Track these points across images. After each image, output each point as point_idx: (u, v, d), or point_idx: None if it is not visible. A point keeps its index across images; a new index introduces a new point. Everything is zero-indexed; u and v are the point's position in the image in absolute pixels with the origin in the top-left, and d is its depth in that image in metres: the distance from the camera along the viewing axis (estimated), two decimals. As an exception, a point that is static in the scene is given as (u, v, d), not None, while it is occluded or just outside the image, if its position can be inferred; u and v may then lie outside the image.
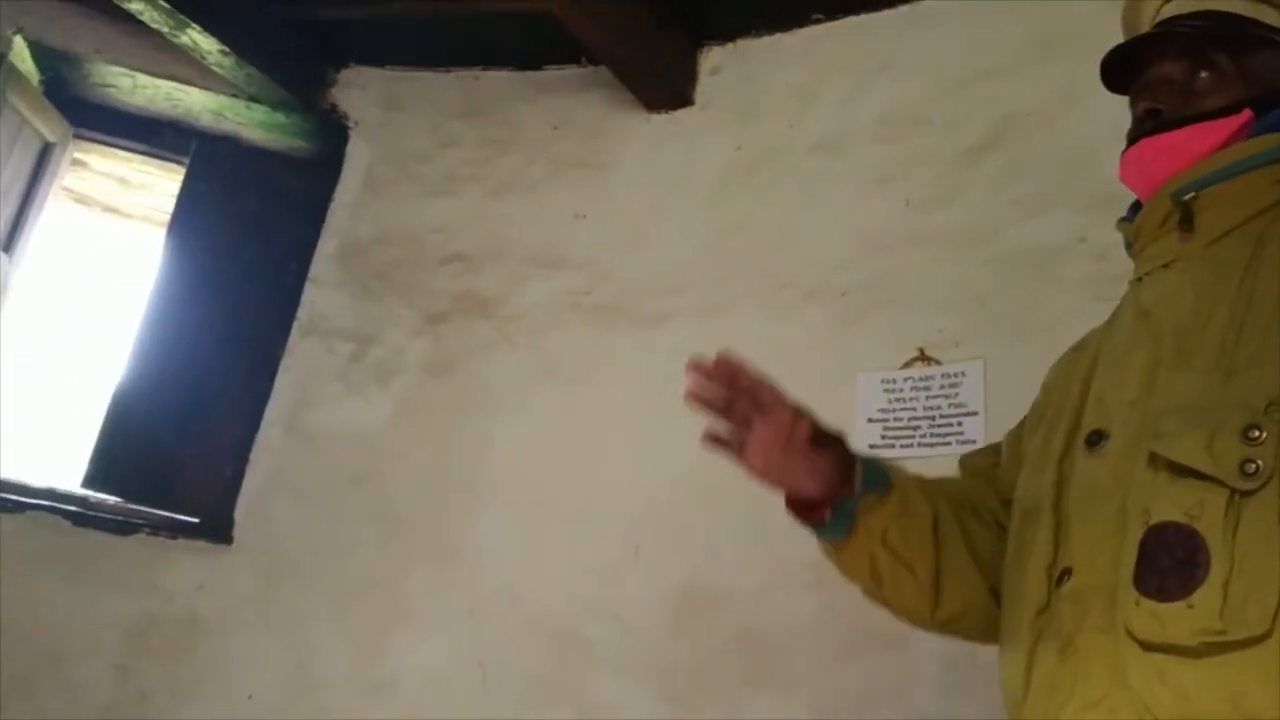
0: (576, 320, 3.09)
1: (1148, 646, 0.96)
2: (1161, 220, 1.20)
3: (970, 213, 2.58)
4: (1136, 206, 1.28)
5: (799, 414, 1.23)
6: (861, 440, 2.54)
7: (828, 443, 1.26)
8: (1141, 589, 0.97)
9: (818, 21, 3.00)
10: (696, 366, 1.25)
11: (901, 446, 2.49)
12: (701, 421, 2.80)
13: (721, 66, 3.15)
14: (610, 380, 2.98)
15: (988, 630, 1.31)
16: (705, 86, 3.15)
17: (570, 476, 2.92)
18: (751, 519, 2.63)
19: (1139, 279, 1.23)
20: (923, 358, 2.53)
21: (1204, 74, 1.23)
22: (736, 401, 1.25)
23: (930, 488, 1.34)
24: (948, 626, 1.35)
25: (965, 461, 1.45)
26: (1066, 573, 1.07)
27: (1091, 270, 2.34)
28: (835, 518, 1.29)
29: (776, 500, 2.57)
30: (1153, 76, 1.26)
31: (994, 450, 1.43)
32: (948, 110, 2.71)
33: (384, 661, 2.95)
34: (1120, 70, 1.32)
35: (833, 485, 1.27)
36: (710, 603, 2.63)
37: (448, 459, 3.09)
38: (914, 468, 2.44)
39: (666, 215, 3.08)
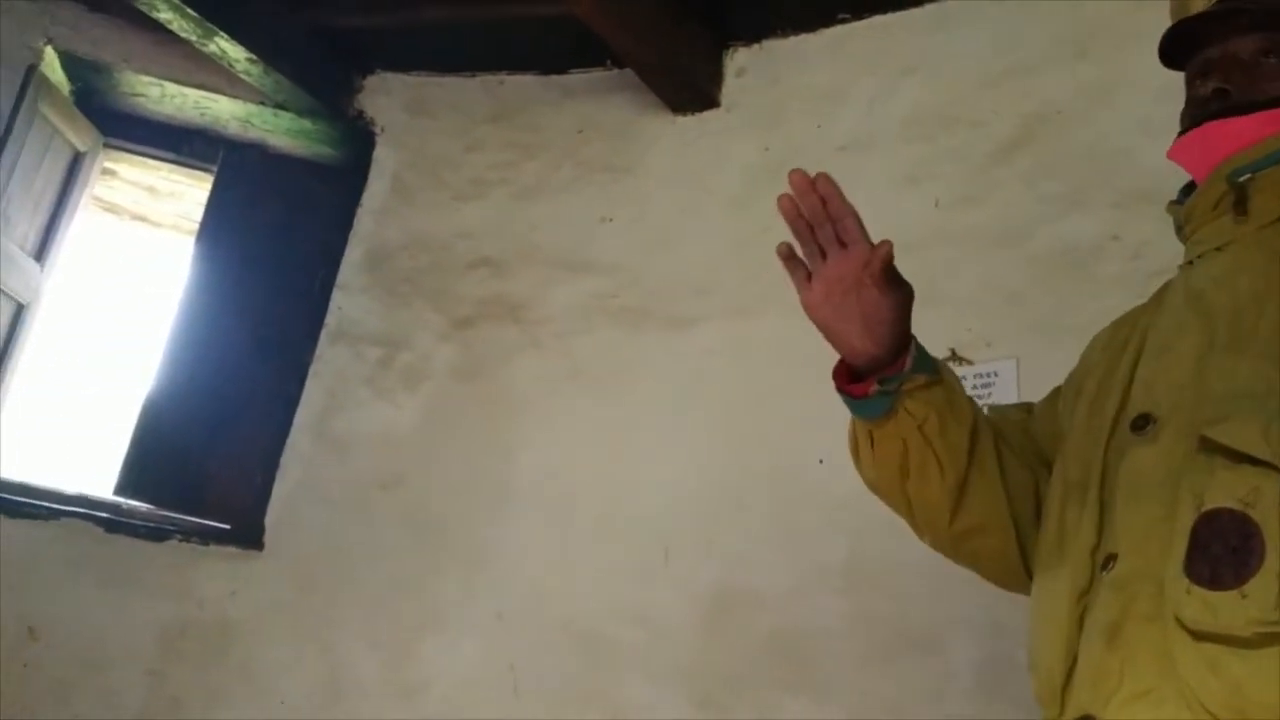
0: (604, 323, 3.09)
1: (1198, 636, 0.93)
2: (1215, 202, 1.17)
3: (1001, 212, 2.56)
4: (1187, 190, 1.25)
5: (877, 248, 1.18)
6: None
7: (896, 289, 1.20)
8: (1193, 577, 0.94)
9: (844, 22, 2.99)
10: (800, 175, 1.19)
11: (934, 448, 2.47)
12: (733, 421, 2.80)
13: (747, 68, 3.14)
14: (638, 383, 2.97)
15: (999, 559, 1.28)
16: (731, 88, 3.14)
17: (599, 480, 2.92)
18: (782, 521, 2.63)
19: (1189, 262, 1.20)
20: (954, 358, 2.51)
21: (1272, 58, 1.20)
22: (822, 226, 1.21)
23: (973, 403, 1.30)
24: (962, 542, 1.30)
25: (997, 409, 1.41)
26: (1111, 559, 1.04)
27: (1125, 268, 2.32)
28: (879, 394, 1.23)
29: (807, 502, 2.57)
30: (1217, 55, 1.23)
31: (1025, 407, 1.40)
32: (976, 109, 2.69)
33: (415, 666, 2.95)
34: (1174, 48, 1.29)
35: (883, 350, 1.22)
36: (741, 606, 2.62)
37: (476, 463, 3.09)
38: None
39: (693, 217, 3.07)
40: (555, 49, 3.36)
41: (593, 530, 2.88)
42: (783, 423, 2.71)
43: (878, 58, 2.90)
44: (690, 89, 3.11)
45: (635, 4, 2.83)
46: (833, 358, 2.76)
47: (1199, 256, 1.18)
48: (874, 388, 1.23)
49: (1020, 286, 2.48)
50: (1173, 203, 1.27)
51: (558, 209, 3.29)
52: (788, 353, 2.77)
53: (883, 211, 2.72)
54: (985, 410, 1.38)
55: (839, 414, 2.66)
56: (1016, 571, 1.28)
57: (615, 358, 3.04)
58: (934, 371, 1.25)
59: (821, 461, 2.60)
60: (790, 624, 2.55)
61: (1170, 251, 1.41)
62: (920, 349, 1.25)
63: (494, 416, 3.13)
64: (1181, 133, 1.24)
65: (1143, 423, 1.09)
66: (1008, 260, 2.51)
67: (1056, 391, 1.37)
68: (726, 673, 2.60)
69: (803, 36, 3.06)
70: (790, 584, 2.57)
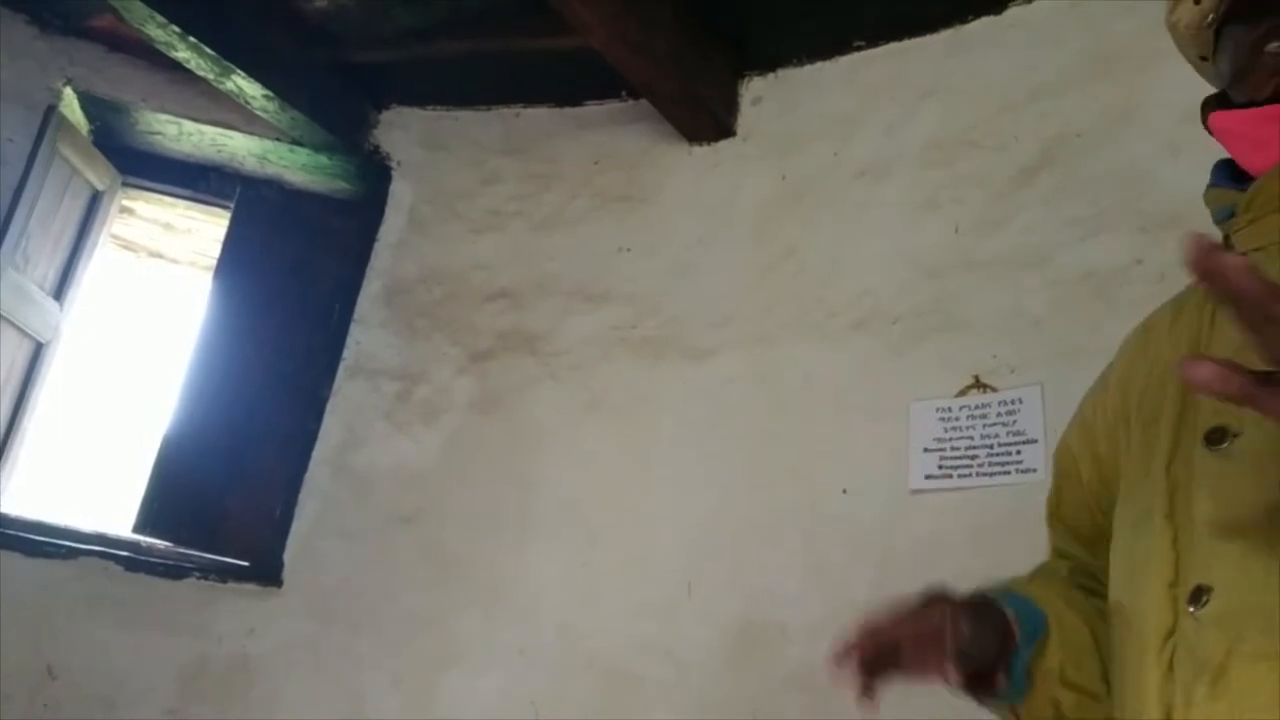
0: (623, 354, 3.07)
1: None
2: None
3: (1023, 236, 2.54)
4: (1232, 177, 1.15)
5: (946, 614, 1.04)
6: (918, 470, 2.49)
7: (981, 617, 1.08)
8: None
9: (859, 49, 2.98)
10: (846, 651, 1.07)
11: (959, 476, 2.44)
12: (755, 452, 2.77)
13: (763, 96, 3.13)
14: (659, 414, 2.95)
15: None
16: (747, 117, 3.14)
17: (621, 512, 2.89)
18: (807, 552, 2.59)
19: (1243, 254, 1.08)
20: (978, 385, 2.48)
21: None
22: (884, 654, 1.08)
23: (1066, 591, 1.19)
24: None
25: (1058, 565, 1.28)
26: (1202, 592, 0.93)
27: (1150, 291, 2.27)
28: (1010, 678, 1.11)
29: (832, 532, 2.54)
30: None
31: (1069, 495, 1.27)
32: (996, 133, 2.67)
33: (436, 702, 2.92)
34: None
35: (995, 650, 1.09)
36: (767, 639, 2.58)
37: (496, 496, 3.07)
38: (974, 497, 2.40)
39: (711, 246, 3.06)
40: (570, 81, 3.37)
41: (615, 563, 2.85)
42: (806, 452, 2.69)
43: (895, 84, 2.89)
44: (706, 118, 3.11)
45: (651, 35, 2.83)
46: (859, 382, 2.71)
47: (1258, 249, 1.07)
48: (1002, 683, 1.11)
49: (1043, 312, 2.46)
50: (1216, 187, 1.16)
51: (575, 240, 3.29)
52: (809, 381, 2.77)
53: (903, 237, 2.74)
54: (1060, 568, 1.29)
55: (862, 442, 2.64)
56: None
57: (635, 389, 3.02)
58: (1042, 624, 1.13)
59: (845, 491, 2.58)
60: (817, 657, 2.48)
61: (1196, 274, 1.38)
62: (1019, 610, 1.11)
63: (513, 449, 3.11)
64: (1260, 101, 1.11)
65: (1218, 436, 0.98)
66: (1030, 285, 2.49)
67: (1083, 432, 1.25)
68: (752, 707, 2.55)
69: (819, 65, 3.06)
70: (816, 616, 2.52)
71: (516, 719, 2.80)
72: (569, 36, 2.84)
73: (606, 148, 3.35)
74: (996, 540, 2.28)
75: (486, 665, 2.91)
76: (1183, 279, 1.42)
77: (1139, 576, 1.03)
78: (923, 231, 2.70)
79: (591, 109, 3.43)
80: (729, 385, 2.88)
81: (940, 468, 2.48)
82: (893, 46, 2.92)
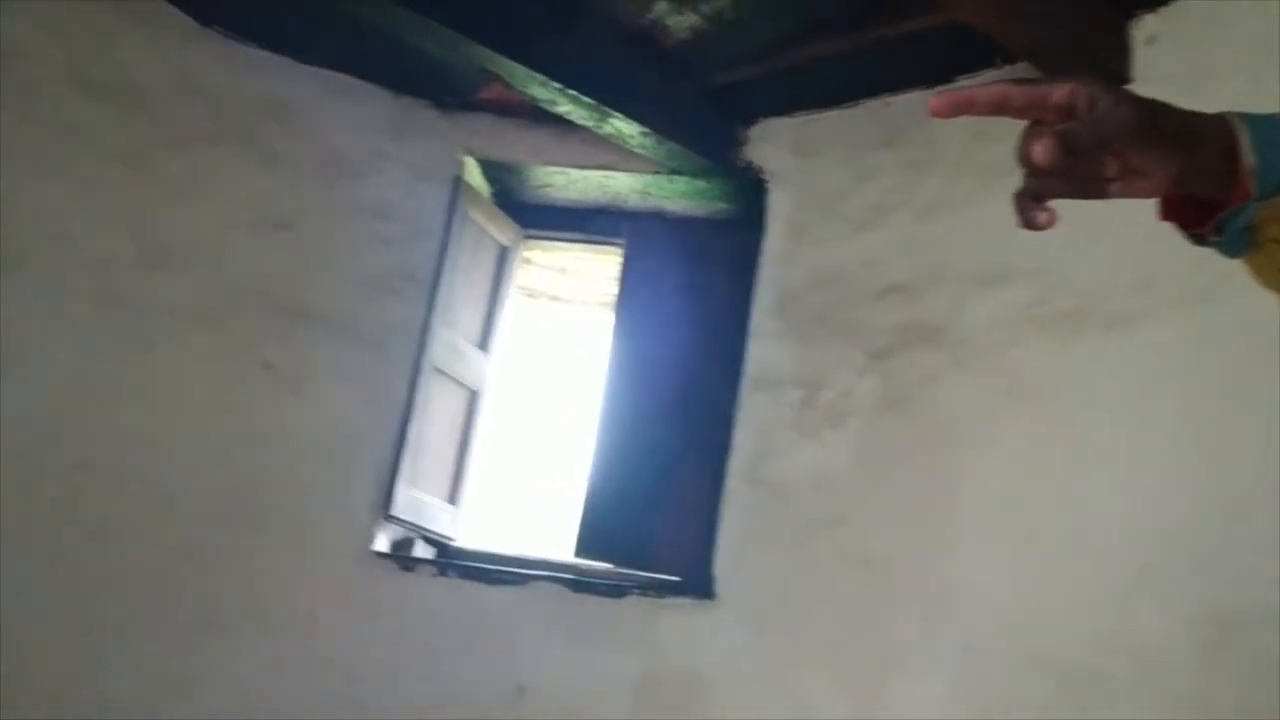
0: (1033, 334, 2.90)
1: None
2: None
3: None
4: None
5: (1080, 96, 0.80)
6: None
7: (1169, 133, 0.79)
8: None
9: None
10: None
11: None
12: (1201, 421, 2.50)
13: (1159, 34, 2.85)
14: (1083, 392, 2.76)
15: None
16: (1142, 59, 2.86)
17: (1054, 500, 2.73)
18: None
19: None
20: None
21: None
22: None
23: None
24: None
25: None
26: None
27: None
28: (1226, 234, 0.84)
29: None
30: None
31: None
32: None
33: (882, 704, 2.89)
34: None
35: (1184, 178, 0.82)
36: (1244, 628, 2.33)
37: (917, 495, 3.01)
38: None
39: (1123, 202, 2.82)
40: (937, 59, 3.22)
41: (1056, 554, 2.69)
42: (1265, 415, 2.40)
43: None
44: (1094, 69, 2.88)
45: (1021, -6, 2.67)
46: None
47: None
48: (1211, 236, 0.85)
49: None
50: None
51: (964, 221, 3.15)
52: (1258, 338, 2.47)
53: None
54: None
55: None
56: None
57: (1052, 369, 2.84)
58: None
59: (1325, 454, 2.28)
60: (1312, 644, 2.23)
61: None
62: (1263, 158, 0.81)
63: (929, 445, 3.03)
64: None
65: None
66: None
67: None
68: (1234, 702, 2.31)
69: (1218, -9, 2.75)
70: (1308, 596, 2.25)
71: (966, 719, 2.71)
72: (934, 14, 2.74)
73: (985, 120, 3.17)
74: None
75: (930, 666, 2.84)
76: None
77: None
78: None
79: (964, 84, 3.28)
80: (1161, 353, 2.64)
81: None
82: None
